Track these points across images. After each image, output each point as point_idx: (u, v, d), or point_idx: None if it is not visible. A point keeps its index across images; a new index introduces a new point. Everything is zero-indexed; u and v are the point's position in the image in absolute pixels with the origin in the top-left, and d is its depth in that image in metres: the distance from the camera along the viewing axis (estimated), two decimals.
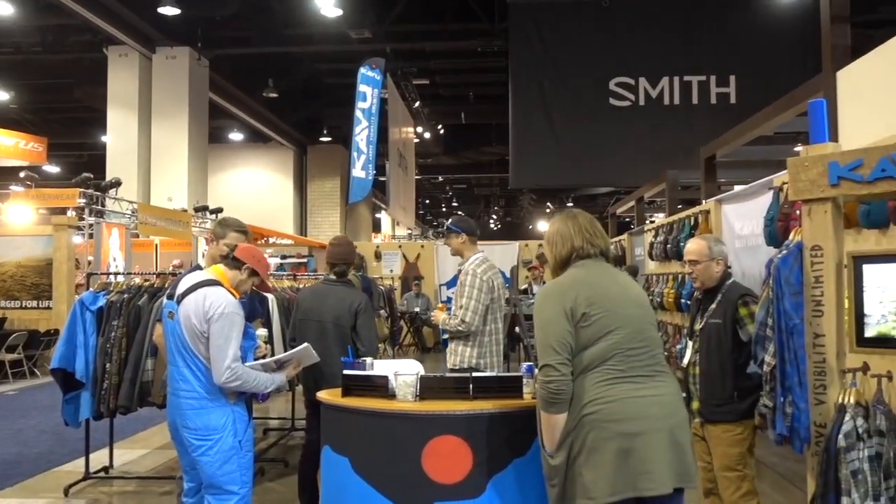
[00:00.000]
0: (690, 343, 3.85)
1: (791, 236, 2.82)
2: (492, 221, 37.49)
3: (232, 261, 3.35)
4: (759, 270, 4.91)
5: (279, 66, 16.09)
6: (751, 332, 3.32)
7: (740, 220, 6.34)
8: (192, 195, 14.09)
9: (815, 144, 2.65)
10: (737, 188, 7.28)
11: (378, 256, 14.87)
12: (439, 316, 4.30)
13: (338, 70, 16.64)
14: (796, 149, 2.63)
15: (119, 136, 13.98)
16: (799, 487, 4.64)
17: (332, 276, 4.27)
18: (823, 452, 2.46)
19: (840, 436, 2.40)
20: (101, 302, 4.95)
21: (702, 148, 8.53)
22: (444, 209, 35.75)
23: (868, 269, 2.54)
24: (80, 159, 22.61)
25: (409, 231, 23.20)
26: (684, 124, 12.60)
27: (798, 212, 2.75)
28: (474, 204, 34.05)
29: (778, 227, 4.75)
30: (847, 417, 2.43)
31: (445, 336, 4.30)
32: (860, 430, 2.42)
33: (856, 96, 4.83)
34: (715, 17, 12.71)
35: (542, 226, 29.80)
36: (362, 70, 13.61)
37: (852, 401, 2.47)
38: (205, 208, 12.70)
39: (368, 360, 3.40)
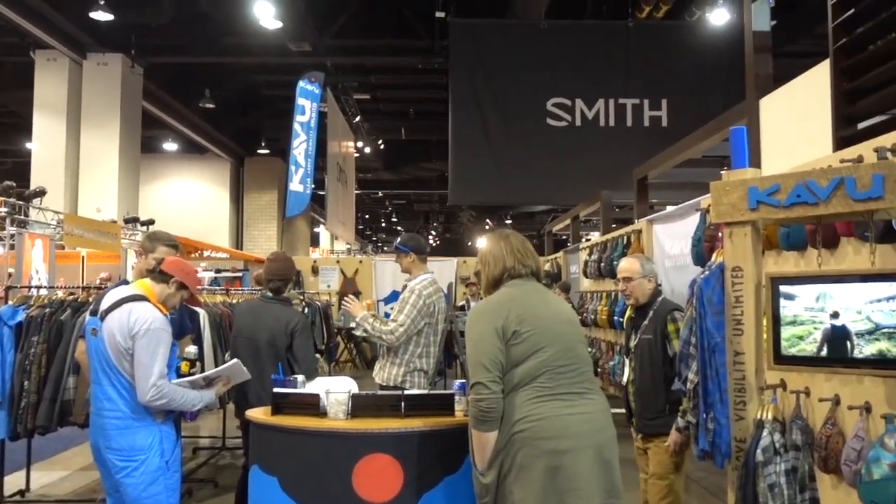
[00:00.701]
0: (627, 361, 3.98)
1: (713, 257, 2.93)
2: (431, 237, 37.56)
3: (159, 274, 3.27)
4: (687, 289, 5.07)
5: (216, 76, 15.81)
6: (676, 348, 3.45)
7: (670, 239, 6.55)
8: (122, 206, 13.66)
9: (736, 170, 2.76)
10: (668, 209, 7.50)
11: (315, 271, 14.71)
12: (357, 308, 4.14)
13: (277, 82, 16.46)
14: (723, 172, 2.72)
15: (45, 143, 13.47)
16: (723, 501, 4.78)
17: (269, 294, 4.20)
18: (742, 467, 2.54)
19: (758, 450, 2.49)
20: (21, 316, 4.73)
21: (634, 169, 8.76)
22: (383, 224, 35.66)
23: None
24: (3, 166, 21.66)
25: (348, 246, 23.03)
26: (619, 146, 12.92)
27: (721, 233, 2.85)
28: (414, 220, 34.06)
29: (704, 247, 4.93)
30: (765, 433, 2.52)
31: (357, 332, 4.20)
32: (777, 445, 2.52)
33: (777, 123, 5.06)
34: (648, 42, 13.12)
35: (482, 242, 29.99)
36: (301, 83, 13.52)
37: (770, 416, 2.56)
38: (135, 220, 12.30)
39: (300, 377, 3.36)
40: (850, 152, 3.30)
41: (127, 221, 12.44)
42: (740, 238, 2.68)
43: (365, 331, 4.09)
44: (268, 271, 4.26)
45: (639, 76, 13.17)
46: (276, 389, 3.16)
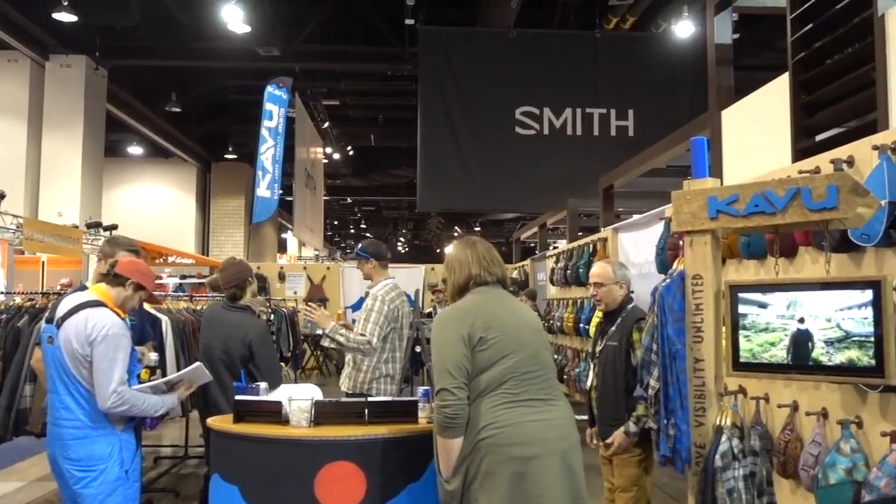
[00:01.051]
0: (592, 366, 3.99)
1: (675, 265, 2.97)
2: (400, 244, 37.51)
3: (114, 278, 3.20)
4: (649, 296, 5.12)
5: (183, 79, 15.62)
6: (639, 358, 3.47)
7: (635, 247, 6.63)
8: (84, 210, 13.41)
9: (697, 179, 2.81)
10: (634, 217, 7.60)
11: (282, 278, 14.59)
12: (324, 319, 4.04)
13: (245, 87, 16.32)
14: (685, 182, 2.77)
15: (5, 146, 13.16)
16: None
17: (228, 301, 4.17)
18: (702, 472, 2.58)
19: (717, 456, 2.52)
20: None
21: (601, 178, 8.86)
22: (352, 231, 35.50)
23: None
24: None
25: (316, 252, 22.88)
26: (586, 154, 13.04)
27: (682, 242, 2.89)
28: (383, 226, 33.98)
29: (668, 255, 4.99)
30: (724, 438, 2.55)
31: (325, 343, 4.10)
32: (735, 451, 2.55)
33: (739, 134, 5.16)
34: (615, 53, 13.28)
35: (450, 249, 29.98)
36: (269, 88, 13.43)
37: (729, 422, 2.60)
38: (98, 224, 12.08)
39: (263, 385, 3.32)
40: (808, 163, 3.38)
41: (89, 226, 12.21)
42: (700, 246, 2.72)
43: (338, 343, 4.00)
44: (222, 280, 4.25)
45: (606, 86, 13.32)
46: (237, 397, 3.13)
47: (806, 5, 4.17)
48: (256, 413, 3.05)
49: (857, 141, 3.09)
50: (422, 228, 33.82)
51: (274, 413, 3.00)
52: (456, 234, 29.47)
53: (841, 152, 3.14)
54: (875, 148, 2.83)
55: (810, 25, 4.19)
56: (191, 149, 19.63)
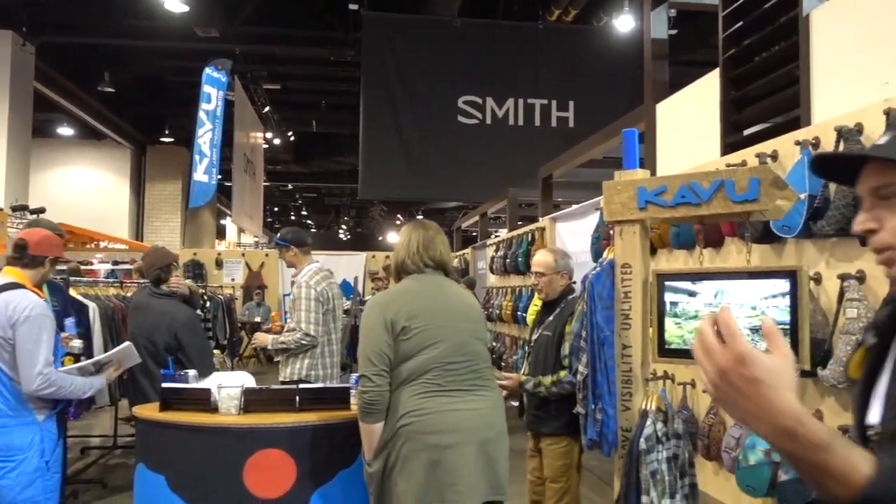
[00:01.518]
0: (526, 354, 4.02)
1: (605, 254, 3.02)
2: (342, 231, 37.22)
3: (31, 261, 3.09)
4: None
5: (117, 59, 15.08)
6: (566, 351, 3.51)
7: (572, 237, 6.74)
8: (9, 193, 12.84)
9: (628, 170, 2.86)
10: (572, 207, 7.71)
11: (220, 264, 14.31)
12: (266, 338, 4.12)
13: (182, 68, 15.86)
14: (616, 173, 2.82)
15: None
16: (612, 487, 4.95)
17: (153, 287, 4.09)
18: (627, 455, 2.65)
19: (641, 439, 2.59)
20: None
21: (540, 168, 8.95)
22: (293, 217, 35.01)
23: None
24: None
25: (256, 239, 22.50)
26: (527, 145, 13.14)
27: (612, 231, 2.95)
28: (325, 213, 33.62)
29: (603, 245, 5.08)
30: (648, 422, 2.63)
31: (278, 358, 4.18)
32: (659, 434, 2.63)
33: (673, 127, 5.28)
34: (557, 45, 13.40)
35: (392, 237, 30.01)
36: (207, 70, 13.09)
37: (654, 407, 2.67)
38: (24, 207, 11.60)
39: (192, 372, 3.26)
40: (736, 157, 3.49)
41: (14, 209, 11.71)
42: (630, 236, 2.78)
43: (283, 350, 4.03)
44: (145, 267, 4.22)
45: (548, 77, 13.43)
46: (164, 384, 3.06)
47: (736, 3, 4.28)
48: (184, 401, 2.99)
49: (781, 136, 3.20)
50: (364, 216, 33.60)
51: (202, 401, 2.95)
52: (398, 223, 29.40)
53: (766, 147, 3.25)
54: (797, 143, 2.94)
55: (741, 23, 4.31)
56: (125, 131, 19.00)
